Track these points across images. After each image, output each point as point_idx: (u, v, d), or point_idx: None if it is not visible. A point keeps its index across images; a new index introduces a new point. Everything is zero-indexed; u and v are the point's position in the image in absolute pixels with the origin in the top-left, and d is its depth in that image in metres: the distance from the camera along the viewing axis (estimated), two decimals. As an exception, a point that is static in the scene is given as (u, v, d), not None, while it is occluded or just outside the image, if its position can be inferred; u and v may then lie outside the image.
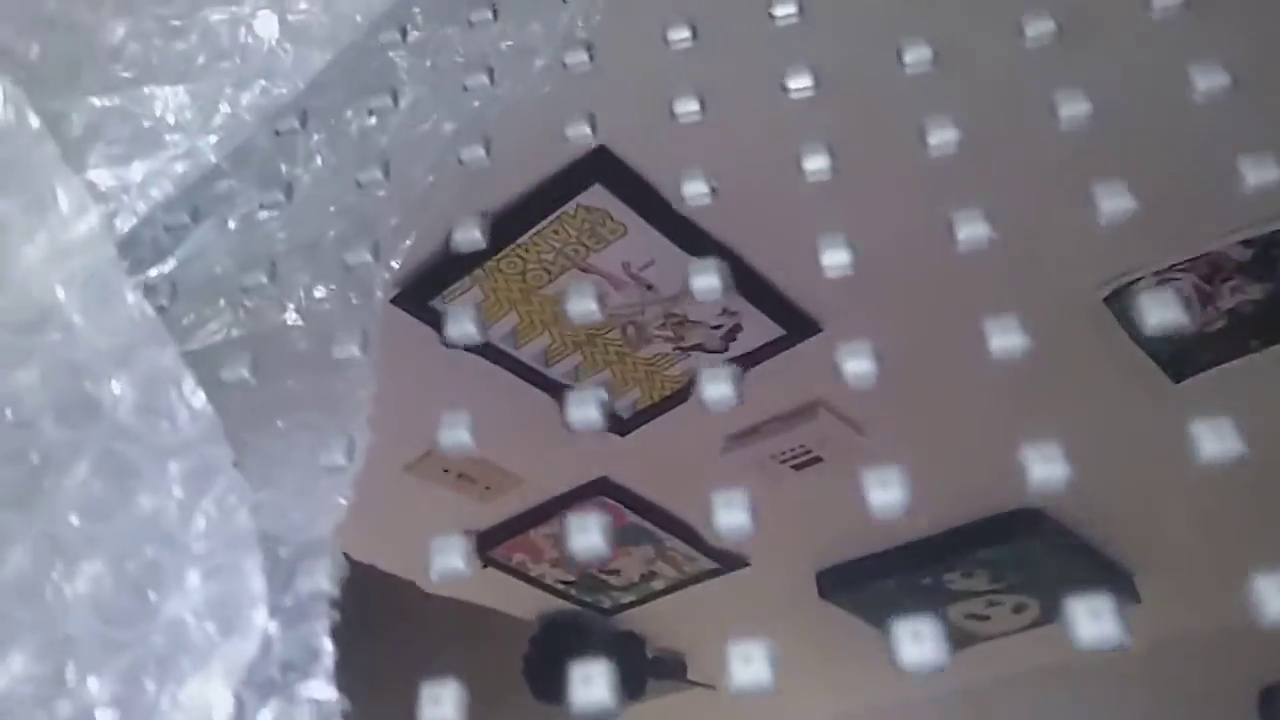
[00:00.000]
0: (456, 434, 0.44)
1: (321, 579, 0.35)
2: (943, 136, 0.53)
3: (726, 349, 0.77)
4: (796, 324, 0.75)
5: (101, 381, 0.35)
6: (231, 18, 0.48)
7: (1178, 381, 0.78)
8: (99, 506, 0.33)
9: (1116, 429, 0.68)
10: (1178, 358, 0.77)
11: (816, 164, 0.51)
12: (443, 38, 0.54)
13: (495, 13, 0.54)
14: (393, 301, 0.72)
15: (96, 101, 0.45)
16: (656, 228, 0.68)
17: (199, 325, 0.46)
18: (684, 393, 0.82)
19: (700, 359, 0.78)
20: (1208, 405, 0.70)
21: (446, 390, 0.73)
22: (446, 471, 0.94)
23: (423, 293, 0.74)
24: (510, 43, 0.54)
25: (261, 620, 0.32)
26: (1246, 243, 0.69)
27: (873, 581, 1.02)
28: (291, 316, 0.48)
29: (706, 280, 0.46)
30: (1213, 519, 0.68)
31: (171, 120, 0.46)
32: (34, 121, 0.38)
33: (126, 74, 0.46)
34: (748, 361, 0.79)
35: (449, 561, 0.35)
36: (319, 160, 0.50)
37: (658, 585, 1.20)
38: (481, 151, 0.57)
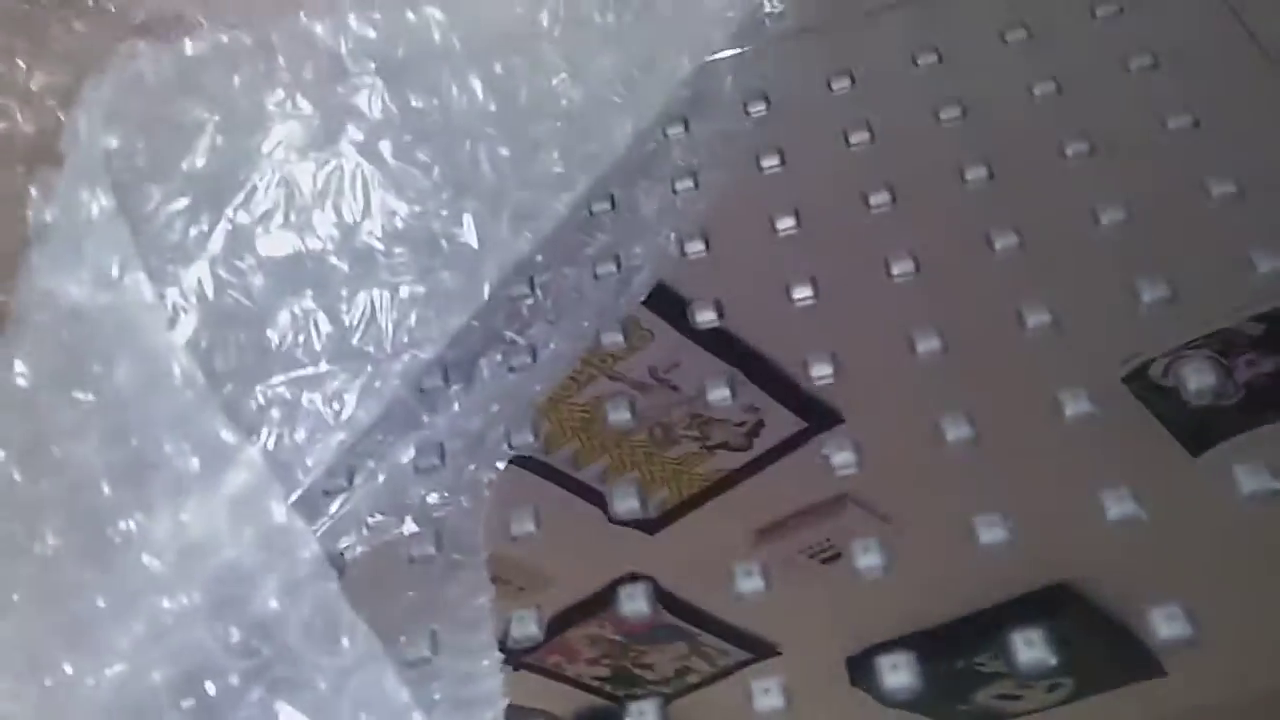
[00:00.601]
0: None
1: None
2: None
3: (751, 445, 0.79)
4: (818, 417, 0.77)
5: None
6: (386, 295, 0.51)
7: (1197, 455, 0.79)
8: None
9: (1142, 505, 0.69)
10: (1197, 432, 0.78)
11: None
12: (563, 278, 0.59)
13: (620, 265, 0.59)
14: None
15: (263, 389, 0.48)
16: (680, 331, 0.70)
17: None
18: (712, 490, 0.84)
19: (725, 456, 0.80)
20: (1228, 477, 0.71)
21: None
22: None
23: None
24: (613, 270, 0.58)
25: None
26: (1258, 318, 0.71)
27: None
28: (409, 528, 0.51)
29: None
30: (1242, 595, 0.68)
31: (332, 401, 0.49)
32: (245, 449, 0.42)
33: (291, 357, 0.50)
34: (772, 456, 0.80)
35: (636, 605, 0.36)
36: (456, 406, 0.54)
37: (692, 679, 1.19)
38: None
